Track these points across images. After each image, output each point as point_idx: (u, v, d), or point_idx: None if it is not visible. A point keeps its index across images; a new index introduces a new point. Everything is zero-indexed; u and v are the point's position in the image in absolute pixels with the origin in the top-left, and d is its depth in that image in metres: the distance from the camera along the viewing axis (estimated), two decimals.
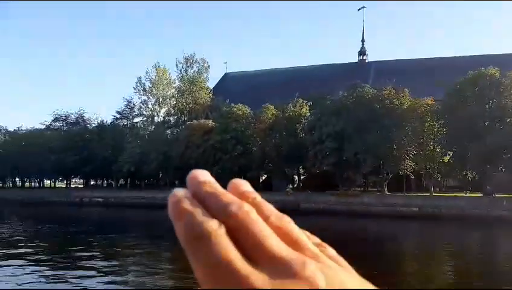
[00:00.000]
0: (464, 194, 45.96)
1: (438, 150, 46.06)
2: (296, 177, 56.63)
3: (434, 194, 45.81)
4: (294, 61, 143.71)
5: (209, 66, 74.66)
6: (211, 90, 75.22)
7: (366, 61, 79.82)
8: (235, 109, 55.86)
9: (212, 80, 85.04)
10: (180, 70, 73.52)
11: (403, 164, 46.39)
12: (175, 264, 17.53)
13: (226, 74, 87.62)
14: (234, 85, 78.72)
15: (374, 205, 43.51)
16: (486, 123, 41.75)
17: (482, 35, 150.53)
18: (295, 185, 56.20)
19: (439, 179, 50.43)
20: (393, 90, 46.63)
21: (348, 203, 44.42)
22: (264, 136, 52.61)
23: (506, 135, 38.24)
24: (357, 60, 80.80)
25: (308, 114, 51.64)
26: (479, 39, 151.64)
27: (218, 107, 63.10)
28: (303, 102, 53.22)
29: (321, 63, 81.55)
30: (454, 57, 70.57)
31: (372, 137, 45.10)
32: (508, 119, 40.97)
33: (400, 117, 45.26)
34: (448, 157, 45.83)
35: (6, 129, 79.05)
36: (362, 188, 54.39)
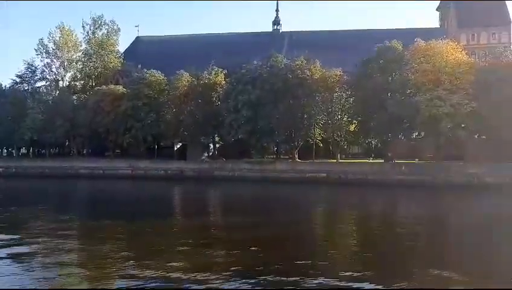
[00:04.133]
0: (367, 161, 49.44)
1: (345, 119, 48.57)
2: (212, 146, 56.74)
3: (340, 160, 48.54)
4: (210, 28, 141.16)
5: (119, 28, 70.86)
6: (122, 54, 71.91)
7: (280, 31, 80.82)
8: (148, 75, 54.02)
9: (123, 44, 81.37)
10: (88, 33, 69.03)
11: (312, 133, 48.44)
12: (85, 236, 17.07)
13: (137, 38, 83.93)
14: (147, 50, 75.72)
15: (285, 171, 45.15)
16: (389, 94, 44.66)
17: (392, 10, 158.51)
18: (211, 154, 56.34)
19: (346, 146, 53.42)
20: (305, 61, 48.03)
21: (262, 171, 45.66)
22: (178, 104, 51.71)
23: (406, 106, 41.27)
24: (271, 30, 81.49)
25: (224, 82, 51.54)
26: (388, 13, 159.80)
27: (129, 73, 60.59)
28: (218, 70, 52.87)
29: (237, 32, 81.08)
30: (365, 30, 73.88)
31: (285, 106, 46.54)
32: (409, 91, 44.20)
33: (310, 87, 46.97)
34: (354, 126, 48.58)
35: None
36: (275, 156, 56.04)
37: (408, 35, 49.81)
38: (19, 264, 12.23)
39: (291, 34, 77.07)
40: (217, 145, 56.42)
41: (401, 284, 10.41)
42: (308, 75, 47.05)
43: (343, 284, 10.25)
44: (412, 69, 43.30)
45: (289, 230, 18.29)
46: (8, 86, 67.18)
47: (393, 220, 21.96)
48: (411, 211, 25.82)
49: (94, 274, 11.25)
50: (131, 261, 12.26)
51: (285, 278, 10.53)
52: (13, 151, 68.48)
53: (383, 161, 46.88)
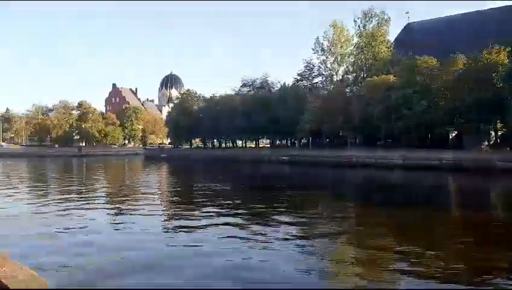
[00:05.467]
0: None
1: None
2: (493, 133, 50.94)
3: None
4: (484, 4, 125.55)
5: (389, 18, 71.18)
6: (392, 43, 71.86)
7: None
8: (419, 62, 52.46)
9: (394, 33, 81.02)
10: (359, 26, 71.91)
11: None
12: (358, 225, 17.92)
13: (408, 24, 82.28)
14: (418, 36, 73.56)
15: None
16: None
17: None
18: (491, 142, 50.68)
19: None
20: None
21: None
22: (452, 89, 48.36)
23: None
24: None
25: (507, 61, 45.43)
26: None
27: (400, 61, 60.07)
28: (500, 48, 46.91)
29: None
30: None
31: None
32: None
33: None
34: None
35: (204, 96, 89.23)
36: None
37: None
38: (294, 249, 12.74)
39: None
40: (499, 133, 50.32)
41: None
42: None
43: None
44: None
45: None
46: (290, 84, 76.74)
47: None
48: None
49: (361, 267, 11.05)
50: (404, 256, 11.89)
51: None
52: (295, 141, 77.66)
53: None
